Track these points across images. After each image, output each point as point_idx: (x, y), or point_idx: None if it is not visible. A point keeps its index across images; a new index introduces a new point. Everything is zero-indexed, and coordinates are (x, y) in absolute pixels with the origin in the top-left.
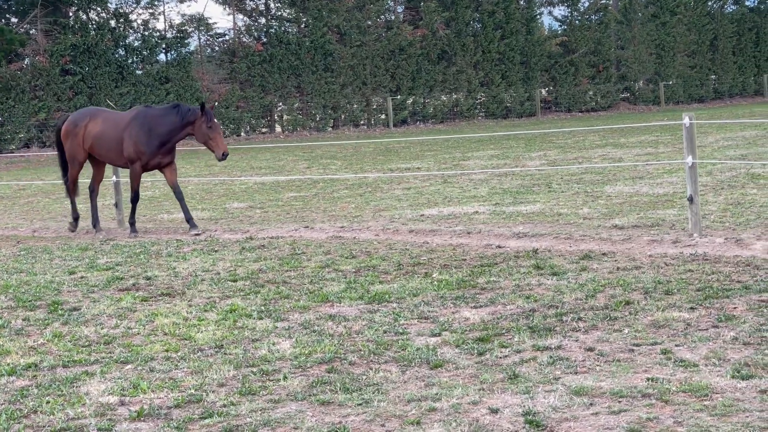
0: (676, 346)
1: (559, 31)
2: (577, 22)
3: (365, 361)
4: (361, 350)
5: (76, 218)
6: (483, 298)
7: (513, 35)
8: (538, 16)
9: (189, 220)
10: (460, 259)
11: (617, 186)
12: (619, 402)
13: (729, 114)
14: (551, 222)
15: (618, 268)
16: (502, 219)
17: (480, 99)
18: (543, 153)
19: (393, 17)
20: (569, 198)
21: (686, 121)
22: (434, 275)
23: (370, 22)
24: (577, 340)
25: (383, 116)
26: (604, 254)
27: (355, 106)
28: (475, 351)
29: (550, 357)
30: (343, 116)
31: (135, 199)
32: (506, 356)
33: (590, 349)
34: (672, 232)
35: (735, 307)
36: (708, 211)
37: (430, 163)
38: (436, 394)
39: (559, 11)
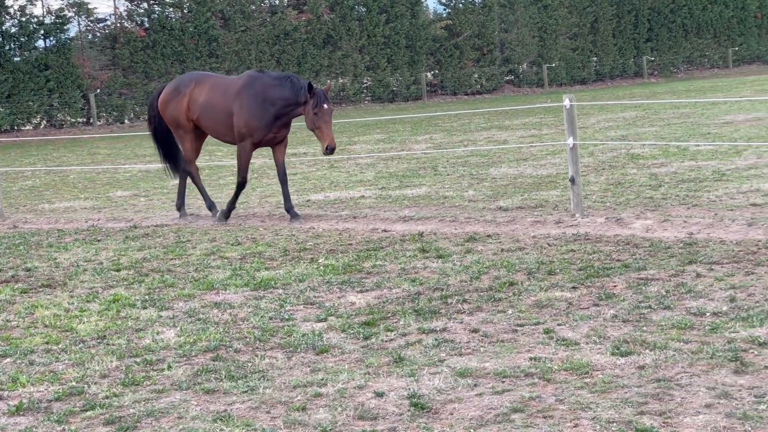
0: (558, 325)
1: (444, 15)
2: (461, 5)
3: (251, 348)
4: (246, 337)
5: (211, 206)
6: (369, 282)
7: (398, 19)
8: (423, 0)
9: (289, 209)
10: (346, 243)
11: (502, 168)
12: (503, 382)
13: (610, 95)
14: (437, 205)
15: (502, 250)
16: (388, 203)
17: (366, 83)
18: (429, 136)
19: (277, 2)
20: (455, 181)
21: (567, 103)
22: (320, 260)
23: (254, 7)
24: (461, 322)
25: None
26: (488, 236)
27: None
28: (361, 335)
29: (435, 339)
30: None
31: (242, 184)
32: (392, 340)
33: (475, 331)
34: (555, 213)
35: (615, 286)
36: (590, 191)
37: (315, 149)
38: (322, 379)
39: None
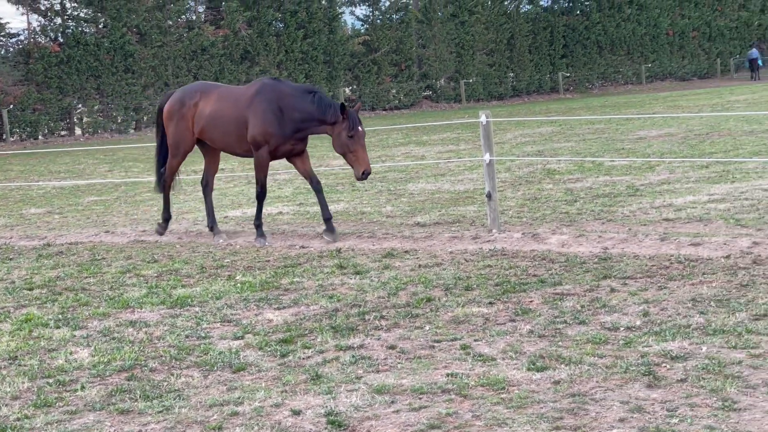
0: (475, 341)
1: (362, 30)
2: (378, 21)
3: (166, 367)
4: (162, 356)
5: (167, 219)
6: (286, 299)
7: (316, 35)
8: (341, 16)
9: (327, 219)
10: (263, 260)
11: (420, 184)
12: (420, 399)
13: (527, 111)
14: (355, 221)
15: (420, 266)
16: (306, 219)
17: None
18: None
19: (194, 17)
20: (372, 196)
21: (483, 119)
22: (237, 277)
23: (170, 22)
24: (379, 339)
25: None
26: (406, 252)
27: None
28: (278, 353)
29: (353, 356)
30: (145, 118)
31: (262, 195)
32: (309, 357)
33: (392, 347)
34: (472, 228)
35: (531, 301)
36: (506, 206)
37: (234, 164)
38: (239, 398)
39: (361, 11)
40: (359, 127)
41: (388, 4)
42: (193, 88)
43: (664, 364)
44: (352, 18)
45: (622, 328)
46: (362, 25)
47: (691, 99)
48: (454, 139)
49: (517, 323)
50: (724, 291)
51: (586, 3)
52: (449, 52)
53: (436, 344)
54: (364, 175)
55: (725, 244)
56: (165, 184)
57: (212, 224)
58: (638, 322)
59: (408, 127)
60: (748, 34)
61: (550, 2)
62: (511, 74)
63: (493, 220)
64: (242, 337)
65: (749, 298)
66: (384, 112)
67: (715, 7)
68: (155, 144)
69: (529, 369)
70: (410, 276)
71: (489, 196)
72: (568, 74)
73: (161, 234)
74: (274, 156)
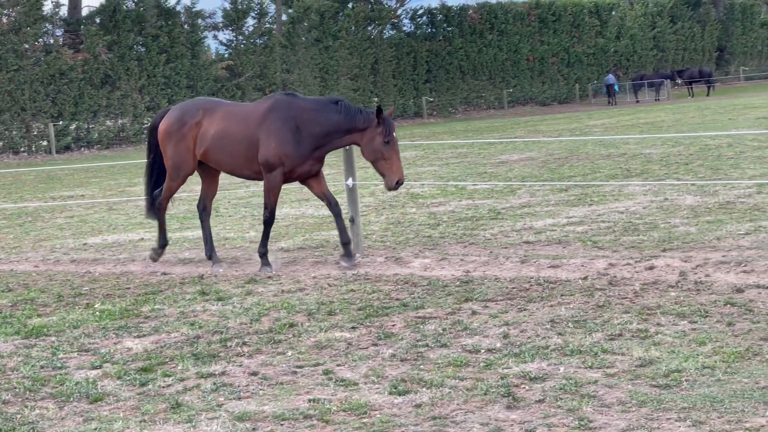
0: (338, 365)
1: (225, 55)
2: (242, 46)
3: (20, 399)
4: (16, 388)
5: (163, 245)
6: (146, 326)
7: (178, 59)
8: (203, 40)
9: (346, 244)
10: (124, 287)
11: (284, 209)
12: (282, 425)
13: None
14: (218, 247)
15: (283, 291)
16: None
17: (146, 124)
18: None
19: (52, 41)
20: (236, 222)
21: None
22: (96, 305)
23: (27, 46)
24: (241, 365)
25: (45, 143)
26: (269, 277)
27: (14, 132)
28: (138, 382)
29: (214, 384)
30: (1, 143)
31: (270, 221)
32: (169, 385)
33: (254, 374)
34: (336, 253)
35: (394, 325)
36: (370, 231)
37: (95, 191)
38: (95, 429)
39: (224, 35)
40: (394, 133)
41: (251, 28)
42: (194, 105)
43: (523, 385)
44: (215, 43)
45: (482, 351)
46: (226, 50)
47: (551, 123)
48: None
49: (380, 347)
50: (581, 312)
51: (449, 29)
52: (313, 77)
53: (298, 370)
54: (397, 185)
55: (583, 265)
56: (161, 207)
57: (210, 253)
58: (498, 344)
59: None
60: (605, 60)
61: (413, 28)
62: (376, 99)
63: (357, 244)
64: (100, 367)
65: (605, 318)
66: None
67: (573, 34)
68: (146, 165)
69: (390, 393)
70: (273, 302)
71: (352, 220)
72: (432, 99)
73: (155, 260)
74: (289, 178)
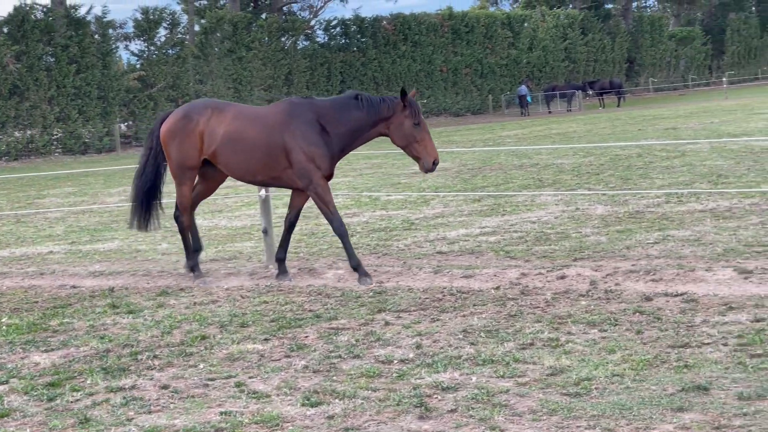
0: (250, 378)
1: (137, 66)
2: (154, 56)
3: None
4: None
5: (198, 249)
6: (55, 341)
7: (89, 70)
8: (115, 51)
9: (280, 260)
10: (31, 301)
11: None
12: None
13: None
14: (129, 259)
15: (195, 303)
16: (78, 258)
17: (56, 135)
18: (122, 189)
19: None
20: (148, 234)
21: None
22: (3, 320)
23: None
24: (152, 379)
25: None
26: (181, 289)
27: None
28: (45, 397)
29: (124, 398)
30: None
31: (342, 229)
32: (78, 400)
33: (165, 387)
34: (249, 265)
35: (307, 336)
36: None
37: (2, 203)
38: None
39: (136, 46)
40: (421, 114)
41: (163, 39)
42: (202, 104)
43: (435, 395)
44: (126, 53)
45: (395, 361)
46: (137, 61)
47: (465, 134)
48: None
49: (292, 359)
50: (493, 321)
51: (363, 40)
52: (227, 88)
53: (210, 382)
54: (434, 165)
55: (495, 275)
56: (183, 224)
57: (194, 265)
58: (411, 355)
59: None
60: (518, 72)
61: (326, 39)
62: None
63: (270, 256)
64: (6, 382)
65: (517, 328)
66: None
67: (486, 45)
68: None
69: (303, 404)
70: (185, 314)
71: (265, 231)
72: None
73: (200, 277)
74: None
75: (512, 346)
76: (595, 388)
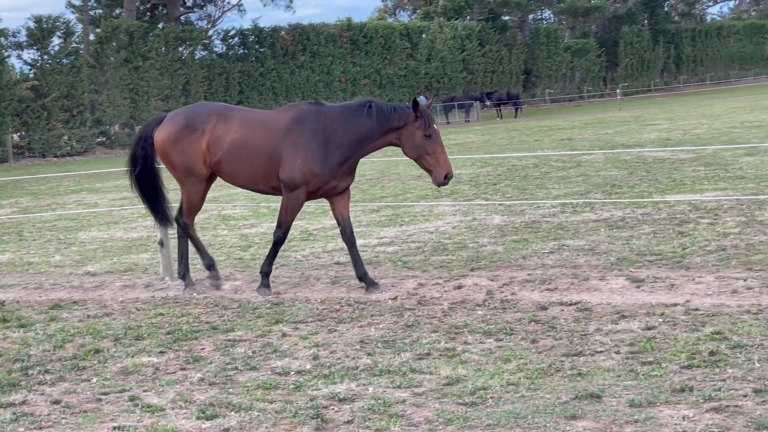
0: (144, 391)
1: (30, 76)
2: (48, 66)
3: None
4: None
5: (211, 265)
6: None
7: None
8: (7, 59)
9: (363, 276)
10: None
11: (92, 232)
12: None
13: None
14: (20, 272)
15: (89, 316)
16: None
17: None
18: (14, 200)
19: None
20: (41, 246)
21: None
22: None
23: None
24: (43, 394)
25: None
26: (75, 302)
27: None
28: None
29: (14, 413)
30: None
31: (282, 240)
32: None
33: (56, 402)
34: (145, 277)
35: (203, 348)
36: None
37: None
38: None
39: (29, 55)
40: (435, 125)
41: (57, 48)
42: (204, 110)
43: (332, 407)
44: (19, 62)
45: (292, 373)
46: (30, 70)
47: None
48: (129, 186)
49: (188, 371)
50: (390, 332)
51: (261, 50)
52: (123, 98)
53: (103, 397)
54: (446, 179)
55: (393, 286)
56: (187, 229)
57: (184, 273)
58: (308, 366)
59: (80, 174)
60: (416, 82)
61: (225, 49)
62: None
63: (166, 267)
64: None
65: (414, 338)
66: (55, 159)
67: (384, 56)
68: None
69: (198, 418)
70: (78, 327)
71: (161, 243)
72: None
73: (218, 287)
74: (312, 196)
75: (409, 357)
76: (491, 398)
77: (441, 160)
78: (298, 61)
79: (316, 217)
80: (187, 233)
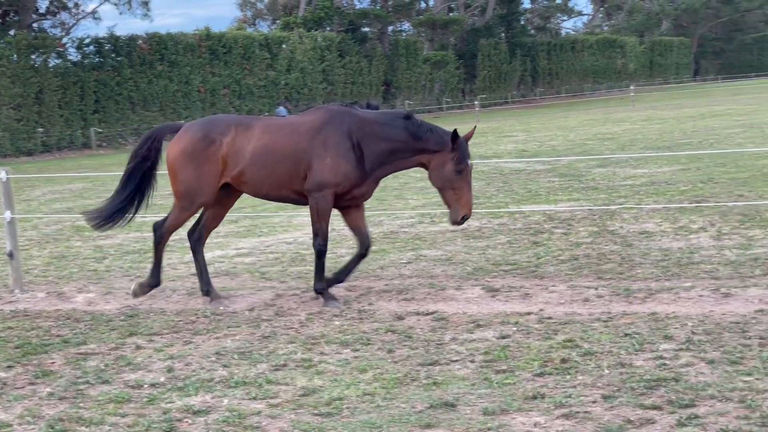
0: None
1: None
2: None
3: None
4: None
5: (155, 285)
6: None
7: None
8: None
9: (320, 291)
10: None
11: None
12: None
13: (57, 167)
14: None
15: None
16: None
17: None
18: None
19: None
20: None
21: (2, 175)
22: None
23: None
24: None
25: None
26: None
27: None
28: None
29: None
30: None
31: (324, 250)
32: None
33: None
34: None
35: (53, 362)
36: (32, 265)
37: None
38: None
39: None
40: (469, 161)
41: None
42: (223, 121)
43: (186, 419)
44: None
45: (146, 386)
46: None
47: None
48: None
49: (37, 386)
50: (247, 343)
51: (118, 59)
52: None
53: None
54: (463, 220)
55: (250, 296)
56: (162, 240)
57: (207, 288)
58: (162, 379)
59: None
60: (276, 93)
61: (80, 57)
62: (41, 129)
63: (16, 280)
64: None
65: (270, 349)
66: None
67: (244, 66)
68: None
69: None
70: None
71: (11, 255)
72: (101, 130)
73: (137, 295)
74: (339, 201)
75: (265, 368)
76: (347, 408)
77: (464, 200)
78: (155, 71)
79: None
80: (158, 245)
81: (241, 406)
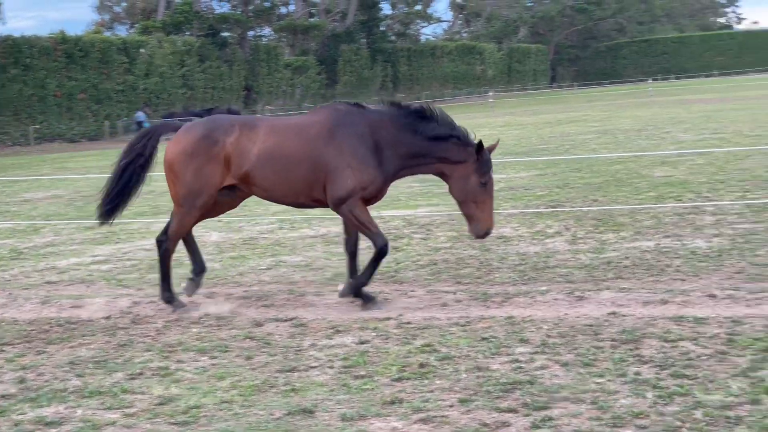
0: None
1: None
2: None
3: None
4: None
5: (170, 300)
6: None
7: None
8: None
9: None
10: None
11: None
12: None
13: None
14: None
15: None
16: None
17: None
18: None
19: None
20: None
21: None
22: None
23: None
24: None
25: None
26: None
27: None
28: None
29: None
30: None
31: (385, 250)
32: None
33: None
34: None
35: None
36: None
37: None
38: None
39: None
40: (492, 173)
41: None
42: (227, 122)
43: (38, 431)
44: None
45: None
46: None
47: (80, 161)
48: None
49: None
50: (102, 352)
51: None
52: None
53: None
54: (485, 234)
55: (106, 304)
56: (168, 251)
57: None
58: (14, 390)
59: None
60: (135, 97)
61: None
62: None
63: None
64: None
65: (127, 357)
66: None
67: (101, 71)
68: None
69: None
70: None
71: None
72: None
73: (180, 309)
74: (369, 202)
75: (121, 377)
76: (204, 416)
77: (486, 213)
78: (9, 75)
79: (27, 235)
80: (164, 258)
81: (96, 416)
